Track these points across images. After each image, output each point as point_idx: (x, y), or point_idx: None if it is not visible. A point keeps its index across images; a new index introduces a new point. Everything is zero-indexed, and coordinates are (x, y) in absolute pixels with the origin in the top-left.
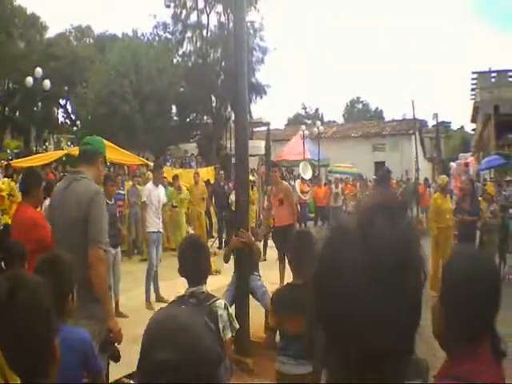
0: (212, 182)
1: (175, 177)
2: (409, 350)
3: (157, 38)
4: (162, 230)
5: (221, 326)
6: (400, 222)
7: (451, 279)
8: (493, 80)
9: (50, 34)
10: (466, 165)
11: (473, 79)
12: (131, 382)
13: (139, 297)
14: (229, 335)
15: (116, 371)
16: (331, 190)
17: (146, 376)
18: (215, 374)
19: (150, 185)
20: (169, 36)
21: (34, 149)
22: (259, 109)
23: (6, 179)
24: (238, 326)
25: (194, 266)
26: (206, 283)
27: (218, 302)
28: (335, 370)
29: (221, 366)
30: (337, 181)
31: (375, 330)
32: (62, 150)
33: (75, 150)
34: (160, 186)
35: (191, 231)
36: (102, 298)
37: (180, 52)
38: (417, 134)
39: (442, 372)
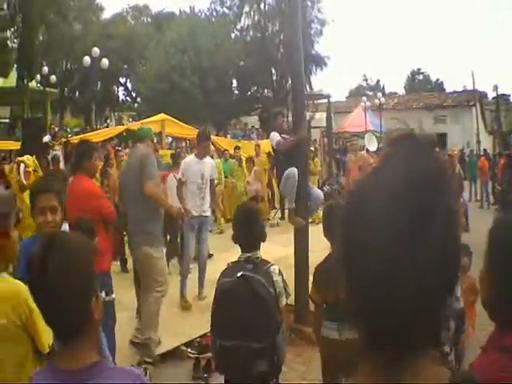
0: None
1: (236, 148)
2: (430, 335)
3: (214, 14)
4: (207, 214)
5: (277, 291)
6: (426, 155)
7: (498, 244)
8: None
9: (107, 15)
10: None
11: None
12: (189, 349)
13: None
14: (284, 302)
15: (171, 340)
16: None
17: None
18: (277, 337)
19: (190, 158)
20: (226, 11)
21: (95, 126)
22: (320, 81)
23: (30, 156)
24: (290, 293)
25: (248, 231)
26: (259, 249)
27: (272, 267)
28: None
29: (279, 332)
30: None
31: (385, 290)
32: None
33: (135, 125)
34: (206, 159)
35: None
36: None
37: (238, 27)
38: (477, 105)
39: (490, 344)
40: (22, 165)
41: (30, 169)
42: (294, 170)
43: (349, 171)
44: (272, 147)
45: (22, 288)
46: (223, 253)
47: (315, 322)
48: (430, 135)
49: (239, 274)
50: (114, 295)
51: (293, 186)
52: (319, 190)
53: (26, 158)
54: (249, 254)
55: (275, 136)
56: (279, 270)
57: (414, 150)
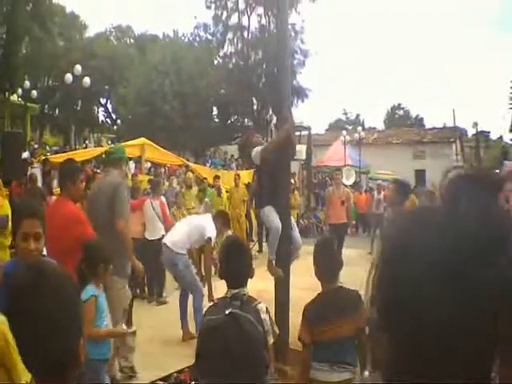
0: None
1: (216, 177)
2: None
3: (197, 39)
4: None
5: (265, 329)
6: (494, 197)
7: None
8: None
9: (90, 33)
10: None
11: (511, 87)
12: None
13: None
14: (271, 341)
15: (151, 373)
16: (373, 196)
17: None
18: (264, 379)
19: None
20: (209, 37)
21: (74, 146)
22: (300, 113)
23: None
24: (277, 332)
25: (237, 267)
26: (247, 285)
27: (260, 305)
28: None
29: (267, 372)
30: (379, 187)
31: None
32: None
33: (115, 148)
34: None
35: (230, 233)
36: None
37: (221, 53)
38: (457, 142)
39: None
40: None
41: None
42: (277, 224)
43: (330, 204)
44: (257, 170)
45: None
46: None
47: (303, 362)
48: (495, 174)
49: (227, 312)
50: (134, 327)
51: (275, 239)
52: (298, 234)
53: None
54: (236, 291)
55: (258, 149)
56: (266, 308)
57: (484, 192)
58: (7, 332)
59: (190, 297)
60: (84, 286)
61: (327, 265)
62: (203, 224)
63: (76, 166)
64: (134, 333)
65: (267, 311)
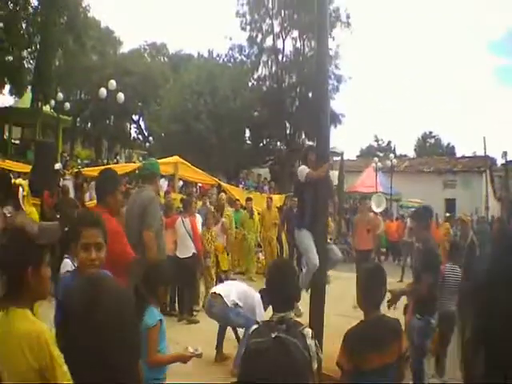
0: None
1: (248, 199)
2: None
3: (232, 60)
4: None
5: (311, 355)
6: None
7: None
8: None
9: (124, 49)
10: None
11: None
12: None
13: None
14: (315, 366)
15: None
16: (405, 224)
17: None
18: None
19: None
20: (244, 59)
21: (106, 161)
22: (332, 138)
23: (22, 180)
24: (322, 357)
25: (283, 289)
26: (293, 309)
27: (306, 329)
28: None
29: None
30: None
31: None
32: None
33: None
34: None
35: (261, 257)
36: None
37: (255, 76)
38: (488, 171)
39: None
40: (21, 188)
41: (25, 193)
42: (315, 262)
43: (355, 232)
44: (299, 190)
45: (46, 330)
46: None
47: None
48: None
49: (274, 335)
50: (200, 349)
51: (310, 276)
52: (337, 249)
53: (22, 181)
54: (282, 314)
55: (305, 169)
56: (312, 333)
57: None
58: (52, 345)
59: None
60: (142, 308)
61: (374, 293)
62: (255, 305)
63: (116, 175)
64: (200, 355)
65: (313, 336)
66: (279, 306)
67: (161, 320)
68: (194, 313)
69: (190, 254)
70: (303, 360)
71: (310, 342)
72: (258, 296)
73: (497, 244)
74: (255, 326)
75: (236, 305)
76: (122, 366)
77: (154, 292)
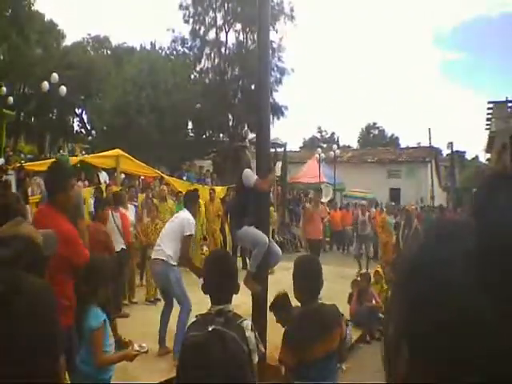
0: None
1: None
2: None
3: (175, 53)
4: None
5: (250, 348)
6: None
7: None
8: (509, 110)
9: (67, 42)
10: None
11: (489, 109)
12: None
13: None
14: (256, 359)
15: None
16: (356, 216)
17: None
18: None
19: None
20: (187, 51)
21: (49, 155)
22: (275, 130)
23: None
24: (263, 350)
25: (222, 282)
26: (231, 302)
27: (245, 322)
28: None
29: None
30: (364, 208)
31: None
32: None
33: (90, 158)
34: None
35: (205, 248)
36: None
37: (198, 68)
38: (433, 161)
39: None
40: None
41: None
42: (265, 240)
43: (309, 220)
44: (240, 189)
45: None
46: None
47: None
48: None
49: (210, 328)
50: (146, 345)
51: (261, 254)
52: (278, 248)
53: None
54: (220, 307)
55: (252, 174)
56: (251, 326)
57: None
58: None
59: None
60: (83, 308)
61: (310, 283)
62: (179, 226)
63: (68, 169)
64: (146, 351)
65: (252, 329)
66: (217, 299)
67: (105, 320)
68: (129, 305)
69: (119, 249)
70: (241, 353)
71: (249, 334)
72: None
73: (426, 232)
74: (193, 319)
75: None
76: (43, 367)
77: (95, 291)
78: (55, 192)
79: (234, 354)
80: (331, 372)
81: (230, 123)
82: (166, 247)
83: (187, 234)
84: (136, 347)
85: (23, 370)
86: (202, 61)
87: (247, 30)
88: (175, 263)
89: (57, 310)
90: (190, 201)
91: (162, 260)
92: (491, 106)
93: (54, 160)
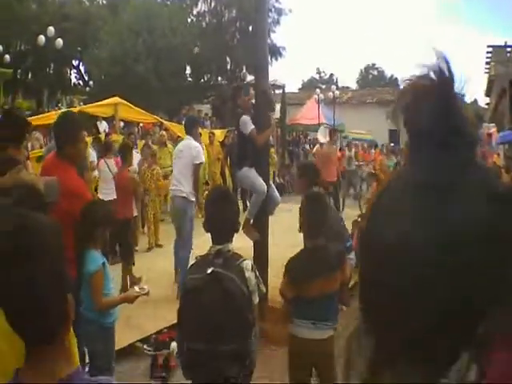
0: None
1: None
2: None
3: None
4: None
5: (250, 289)
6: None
7: None
8: (508, 55)
9: None
10: (489, 135)
11: (488, 52)
12: (144, 346)
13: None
14: (257, 300)
15: (129, 335)
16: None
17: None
18: (250, 338)
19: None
20: None
21: (47, 110)
22: (274, 71)
23: None
24: (264, 291)
25: (222, 220)
26: (231, 241)
27: (245, 262)
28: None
29: (252, 334)
30: (350, 144)
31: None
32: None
33: (88, 107)
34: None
35: (206, 192)
36: None
37: (194, 12)
38: None
39: None
40: None
41: None
42: (264, 188)
43: (323, 163)
44: (240, 132)
45: None
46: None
47: (285, 318)
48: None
49: (209, 271)
50: (147, 287)
51: (259, 202)
52: (276, 192)
53: None
54: (220, 247)
55: (249, 122)
56: (252, 266)
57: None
58: None
59: None
60: (82, 251)
61: (314, 220)
62: (189, 158)
63: (77, 120)
64: (147, 293)
65: (253, 269)
66: (217, 238)
67: (104, 263)
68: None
69: (113, 197)
70: (240, 294)
71: (249, 274)
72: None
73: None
74: (193, 262)
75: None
76: (44, 304)
77: (92, 234)
78: (64, 144)
79: (233, 295)
80: (331, 313)
81: (229, 66)
82: (182, 185)
83: (197, 162)
84: (136, 289)
85: (36, 305)
86: (199, 4)
87: None
88: (193, 199)
89: (63, 247)
90: (190, 125)
91: (183, 197)
92: (490, 49)
93: (62, 112)
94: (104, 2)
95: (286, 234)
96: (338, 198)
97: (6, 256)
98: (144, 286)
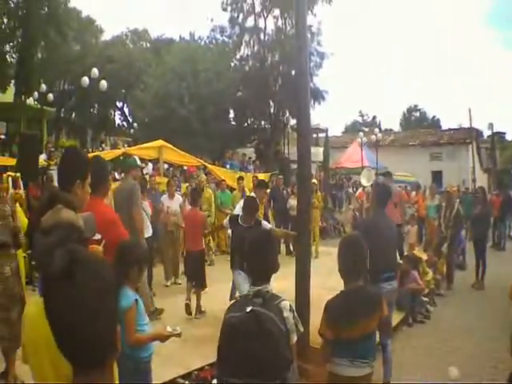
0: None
1: (240, 179)
2: None
3: (214, 42)
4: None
5: (288, 328)
6: None
7: None
8: None
9: (106, 37)
10: None
11: None
12: (186, 382)
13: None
14: (295, 339)
15: (171, 371)
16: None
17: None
18: (286, 376)
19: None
20: (226, 39)
21: (91, 150)
22: (317, 115)
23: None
24: (302, 330)
25: (262, 261)
26: (270, 281)
27: (283, 302)
28: None
29: (290, 371)
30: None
31: None
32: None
33: (132, 150)
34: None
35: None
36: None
37: (237, 56)
38: (474, 143)
39: None
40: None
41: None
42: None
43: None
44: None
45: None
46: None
47: (324, 358)
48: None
49: (248, 309)
50: (179, 328)
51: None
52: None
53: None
54: (259, 288)
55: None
56: (290, 306)
57: None
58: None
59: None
60: (117, 287)
61: (352, 263)
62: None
63: (106, 164)
64: (179, 334)
65: (291, 309)
66: (256, 279)
67: (136, 300)
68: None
69: (149, 235)
70: (279, 332)
71: (288, 314)
72: None
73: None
74: (233, 301)
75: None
76: (99, 333)
77: (127, 272)
78: (98, 184)
79: (272, 334)
80: (369, 350)
81: (272, 110)
82: None
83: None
84: (169, 328)
85: (92, 335)
86: (242, 48)
87: (285, 15)
88: None
89: (113, 281)
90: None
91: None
92: None
93: (93, 156)
94: (148, 44)
95: (327, 277)
96: (402, 240)
97: (62, 289)
98: (177, 327)
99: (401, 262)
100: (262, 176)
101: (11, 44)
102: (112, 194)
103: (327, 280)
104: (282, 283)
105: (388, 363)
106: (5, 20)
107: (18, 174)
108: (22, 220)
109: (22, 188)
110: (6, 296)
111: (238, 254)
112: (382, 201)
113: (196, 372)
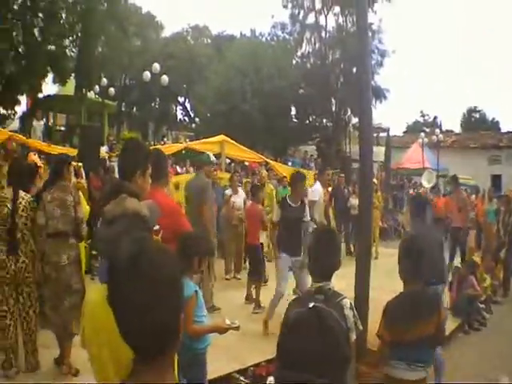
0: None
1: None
2: None
3: (275, 39)
4: None
5: (348, 326)
6: None
7: None
8: None
9: (166, 33)
10: None
11: None
12: (241, 378)
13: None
14: (354, 337)
15: (227, 366)
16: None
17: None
18: (345, 374)
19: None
20: (287, 37)
21: (153, 143)
22: (378, 114)
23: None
24: (361, 328)
25: (325, 259)
26: (331, 279)
27: (344, 300)
28: None
29: (348, 368)
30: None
31: None
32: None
33: (195, 144)
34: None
35: None
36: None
37: (299, 53)
38: None
39: None
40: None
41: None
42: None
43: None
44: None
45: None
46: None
47: (381, 360)
48: None
49: (311, 305)
50: (237, 322)
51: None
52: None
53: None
54: (321, 284)
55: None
56: (351, 304)
57: None
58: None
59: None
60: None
61: (413, 265)
62: None
63: (165, 156)
64: (237, 328)
65: (351, 307)
66: (319, 276)
67: (196, 291)
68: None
69: None
70: (339, 330)
71: (348, 312)
72: None
73: None
74: (295, 296)
75: None
76: (166, 322)
77: (189, 263)
78: (157, 175)
79: (332, 330)
80: (426, 354)
81: (333, 108)
82: None
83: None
84: (228, 321)
85: (158, 323)
86: (303, 45)
87: (346, 12)
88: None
89: (178, 271)
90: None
91: None
92: None
93: (155, 149)
94: (209, 40)
95: (386, 279)
96: (465, 244)
97: (128, 277)
98: (236, 320)
99: (460, 266)
100: (311, 174)
101: (70, 39)
102: (182, 188)
103: (386, 281)
104: (341, 282)
105: (439, 369)
106: (63, 15)
107: (80, 164)
108: (85, 209)
109: (83, 178)
110: (60, 285)
111: (285, 235)
112: (417, 214)
113: (252, 368)
